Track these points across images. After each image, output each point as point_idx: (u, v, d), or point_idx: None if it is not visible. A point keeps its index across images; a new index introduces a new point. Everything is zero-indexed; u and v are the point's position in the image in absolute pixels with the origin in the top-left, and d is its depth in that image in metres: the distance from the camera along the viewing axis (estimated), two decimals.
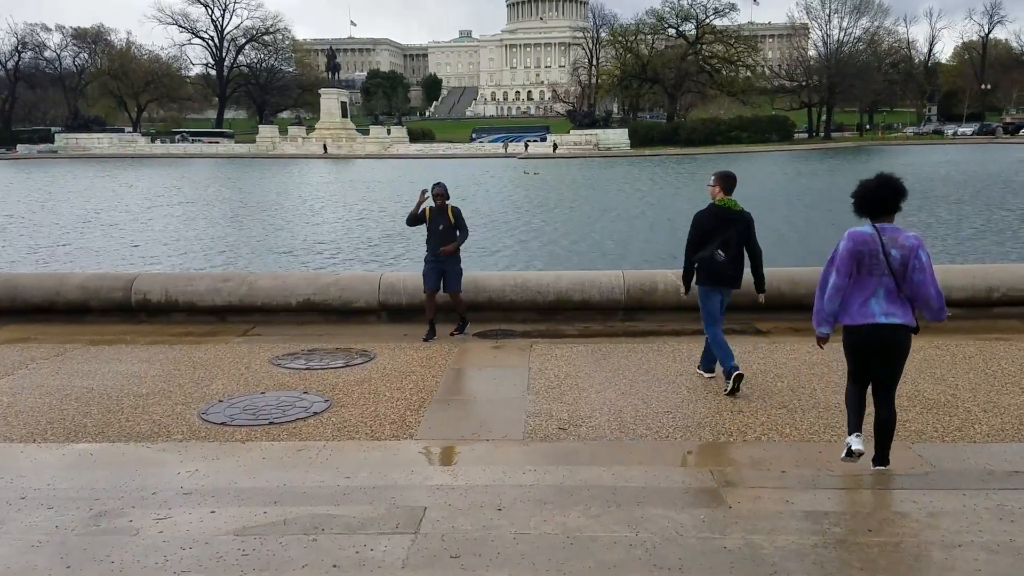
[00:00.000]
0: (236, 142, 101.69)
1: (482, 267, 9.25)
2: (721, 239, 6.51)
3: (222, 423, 5.89)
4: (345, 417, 5.96)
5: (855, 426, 4.66)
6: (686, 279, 6.81)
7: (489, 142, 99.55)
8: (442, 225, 8.59)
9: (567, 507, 3.98)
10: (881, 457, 4.65)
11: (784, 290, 9.13)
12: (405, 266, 17.59)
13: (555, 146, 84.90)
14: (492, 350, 8.19)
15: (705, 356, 6.95)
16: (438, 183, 8.73)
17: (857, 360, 4.67)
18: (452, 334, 8.73)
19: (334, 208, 33.05)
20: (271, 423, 5.86)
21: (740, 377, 6.29)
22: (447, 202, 8.69)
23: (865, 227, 4.58)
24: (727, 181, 6.67)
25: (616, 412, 5.99)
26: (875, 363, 4.62)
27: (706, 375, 6.86)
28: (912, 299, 4.54)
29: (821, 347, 4.92)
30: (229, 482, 4.58)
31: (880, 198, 4.54)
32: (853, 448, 4.56)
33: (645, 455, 5.11)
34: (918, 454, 5.05)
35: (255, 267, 18.54)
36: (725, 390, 6.35)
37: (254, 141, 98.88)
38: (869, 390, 4.75)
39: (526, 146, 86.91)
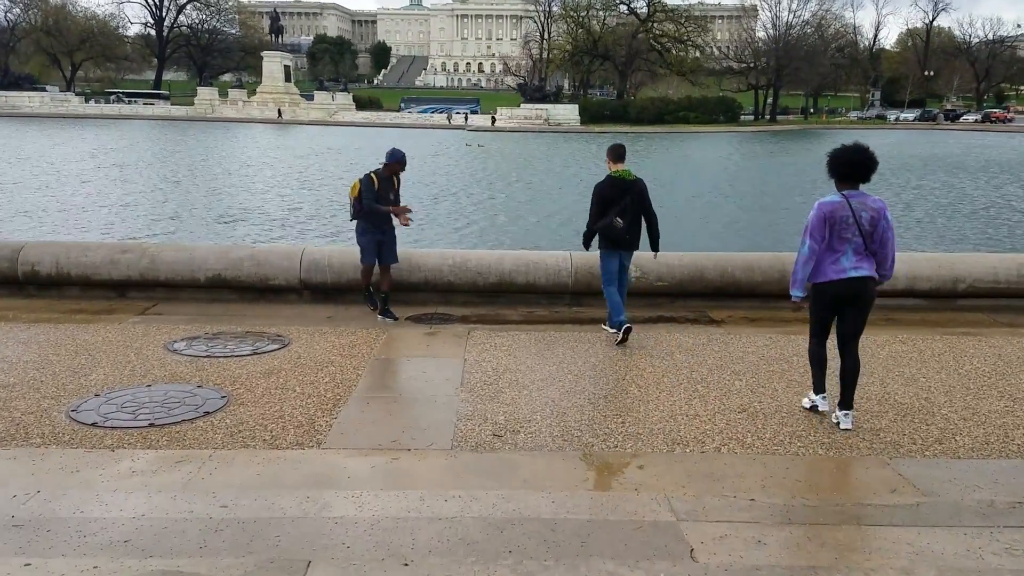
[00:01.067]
0: (172, 104, 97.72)
1: (419, 244, 8.46)
2: (619, 207, 7.07)
3: (93, 423, 4.96)
4: (242, 418, 5.08)
5: (820, 387, 5.30)
6: (586, 242, 7.48)
7: (418, 112, 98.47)
8: (393, 195, 8.01)
9: (493, 559, 3.21)
10: (846, 402, 5.12)
11: (739, 277, 8.56)
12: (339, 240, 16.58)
13: (493, 119, 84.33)
14: (425, 337, 7.36)
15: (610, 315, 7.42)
16: (400, 151, 8.08)
17: (825, 314, 5.17)
18: (381, 315, 7.94)
19: (269, 175, 31.55)
20: (151, 425, 4.94)
21: (629, 330, 6.95)
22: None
23: (833, 196, 5.00)
24: (616, 151, 7.25)
25: (559, 414, 5.24)
26: (845, 314, 5.09)
27: (610, 330, 7.33)
28: (876, 255, 5.03)
29: (796, 311, 5.38)
30: (73, 511, 3.67)
31: (855, 163, 4.97)
32: (820, 409, 5.26)
33: (591, 473, 4.38)
34: (899, 472, 4.42)
35: (181, 238, 17.27)
36: (615, 341, 6.96)
37: (192, 104, 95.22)
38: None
39: (466, 118, 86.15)
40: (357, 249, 8.10)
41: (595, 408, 5.37)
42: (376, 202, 7.81)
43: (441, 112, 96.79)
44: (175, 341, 6.85)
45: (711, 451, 4.69)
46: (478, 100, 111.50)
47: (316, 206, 22.43)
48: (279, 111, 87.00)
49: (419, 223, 18.01)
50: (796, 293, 5.14)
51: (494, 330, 7.59)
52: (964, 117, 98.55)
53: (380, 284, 8.08)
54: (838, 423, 5.06)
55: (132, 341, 6.84)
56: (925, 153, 50.32)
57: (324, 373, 6.04)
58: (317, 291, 8.55)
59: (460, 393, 5.65)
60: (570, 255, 8.89)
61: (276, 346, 6.75)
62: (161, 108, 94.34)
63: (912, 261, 8.56)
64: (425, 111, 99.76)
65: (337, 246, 10.02)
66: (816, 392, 5.31)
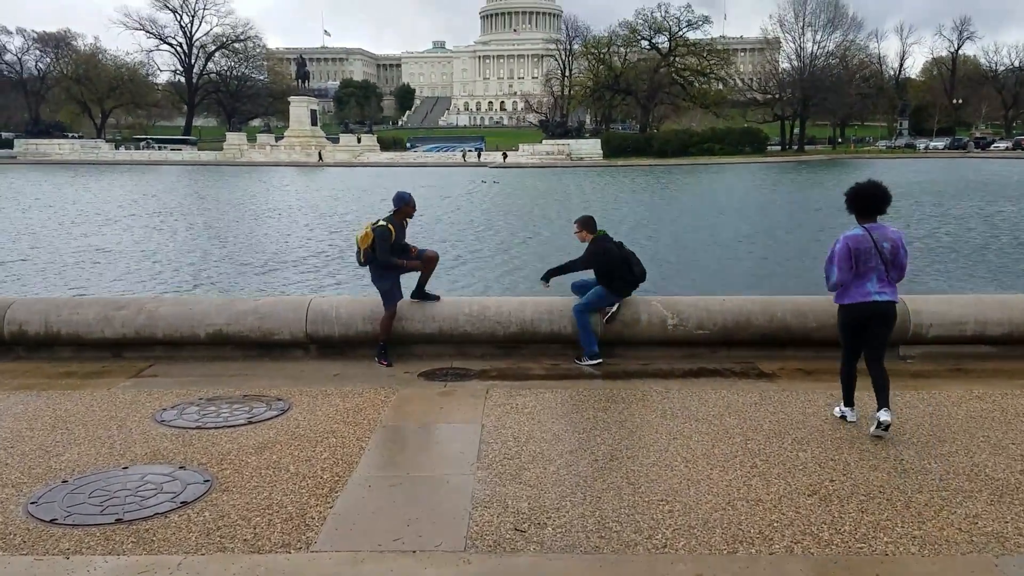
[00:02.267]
0: (200, 149, 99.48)
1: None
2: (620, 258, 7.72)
3: (52, 519, 4.26)
4: (224, 510, 4.35)
5: (850, 401, 5.79)
6: (554, 275, 8.06)
7: (424, 151, 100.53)
8: (405, 239, 7.83)
9: None
10: (883, 402, 5.43)
11: (791, 322, 7.73)
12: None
13: (504, 155, 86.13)
14: (439, 397, 6.62)
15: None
16: (406, 193, 7.84)
17: (853, 334, 5.67)
18: (385, 364, 7.56)
19: (291, 218, 31.28)
20: (118, 520, 4.23)
21: (600, 364, 7.47)
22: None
23: (856, 229, 5.51)
24: (590, 223, 7.83)
25: (594, 500, 4.46)
26: (870, 332, 5.58)
27: (589, 363, 7.54)
28: (896, 279, 5.55)
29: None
30: None
31: (872, 198, 5.49)
32: (849, 419, 5.72)
33: None
34: None
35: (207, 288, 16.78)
36: (579, 363, 7.53)
37: (221, 148, 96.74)
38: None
39: (479, 155, 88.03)
40: (366, 297, 7.52)
41: (635, 491, 4.57)
42: (391, 253, 7.51)
43: (446, 150, 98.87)
44: (165, 409, 6.18)
45: (780, 550, 3.87)
46: (482, 138, 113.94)
47: (327, 254, 21.92)
48: (319, 154, 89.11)
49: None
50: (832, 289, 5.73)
51: (515, 387, 6.84)
52: (995, 145, 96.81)
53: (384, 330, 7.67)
54: (878, 421, 5.37)
55: (118, 410, 6.18)
56: (973, 178, 49.07)
57: (324, 446, 5.32)
58: (324, 345, 7.87)
59: (476, 471, 4.89)
60: None
61: (274, 412, 6.05)
62: (190, 153, 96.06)
63: (981, 304, 7.68)
64: (430, 149, 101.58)
65: (345, 296, 9.36)
66: (846, 404, 5.79)
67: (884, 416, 5.35)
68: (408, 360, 7.68)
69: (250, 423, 5.82)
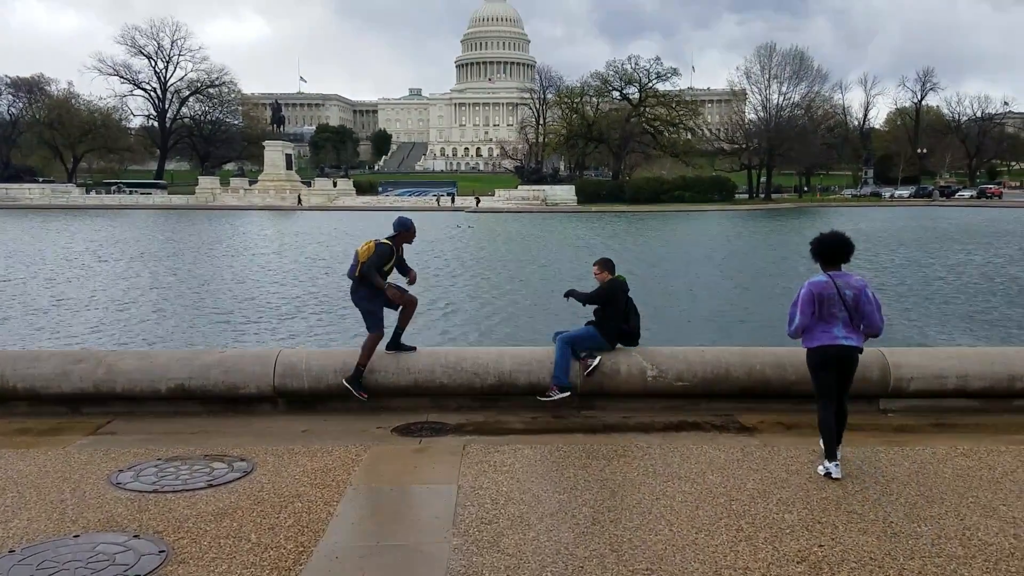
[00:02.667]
0: (171, 193, 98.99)
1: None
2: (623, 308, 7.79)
3: None
4: None
5: (832, 455, 5.70)
6: (572, 295, 7.97)
7: (395, 195, 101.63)
8: (398, 267, 7.83)
9: None
10: (838, 439, 5.79)
11: (769, 375, 7.63)
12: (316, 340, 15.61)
13: (477, 200, 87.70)
14: (413, 455, 6.37)
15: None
16: (407, 219, 7.88)
17: (822, 374, 5.85)
18: (364, 396, 7.38)
19: (264, 262, 30.91)
20: None
21: (572, 397, 7.47)
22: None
23: (820, 276, 5.79)
24: (610, 265, 7.92)
25: (576, 570, 4.22)
26: (835, 374, 5.81)
27: (560, 395, 7.43)
28: (862, 326, 5.77)
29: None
30: None
31: (836, 248, 5.78)
32: (834, 475, 5.61)
33: None
34: None
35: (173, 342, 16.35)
36: (549, 397, 7.43)
37: (193, 192, 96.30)
38: None
39: (452, 199, 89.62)
40: (338, 348, 7.29)
41: (619, 559, 4.34)
42: (380, 273, 7.45)
43: (417, 195, 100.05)
44: (121, 470, 5.85)
45: None
46: (455, 183, 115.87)
47: (300, 299, 21.59)
48: (299, 197, 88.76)
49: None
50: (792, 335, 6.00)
51: (493, 443, 6.61)
52: (960, 193, 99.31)
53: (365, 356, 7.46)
54: (828, 473, 5.62)
55: (72, 472, 5.85)
56: (941, 228, 50.08)
57: (288, 512, 5.03)
58: (293, 399, 7.60)
59: (452, 538, 4.64)
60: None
61: (237, 474, 5.75)
62: (161, 197, 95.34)
63: (962, 357, 7.63)
64: (401, 194, 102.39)
65: (316, 348, 9.10)
66: (829, 460, 5.71)
67: (835, 472, 5.63)
68: (381, 414, 7.42)
69: (210, 486, 5.52)
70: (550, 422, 7.37)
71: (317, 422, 7.29)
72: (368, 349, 7.44)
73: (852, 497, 5.27)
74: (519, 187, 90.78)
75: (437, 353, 8.17)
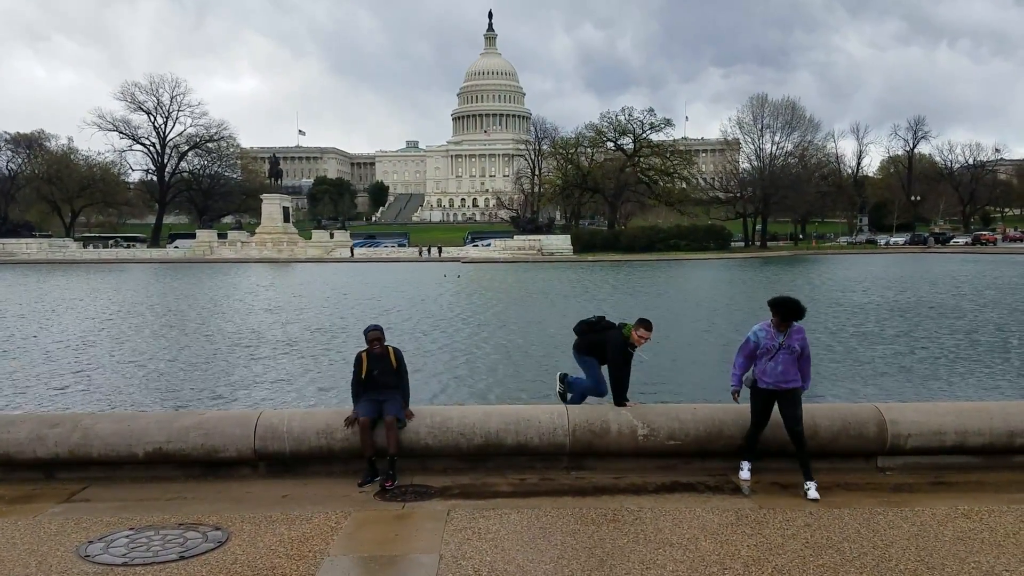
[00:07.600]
0: (165, 246, 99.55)
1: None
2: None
3: None
4: None
5: (750, 452, 7.08)
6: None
7: (355, 245, 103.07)
8: (377, 370, 7.54)
9: None
10: (808, 474, 6.72)
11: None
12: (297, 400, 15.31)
13: (440, 250, 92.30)
14: (395, 521, 6.15)
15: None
16: (374, 327, 7.79)
17: (762, 408, 7.03)
18: (388, 485, 6.96)
19: (254, 316, 30.71)
20: None
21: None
22: (386, 344, 7.77)
23: (764, 323, 7.05)
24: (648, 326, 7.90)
25: None
26: (782, 408, 6.92)
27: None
28: (801, 370, 6.96)
29: (735, 400, 7.35)
30: None
31: (791, 310, 6.88)
32: (743, 477, 7.02)
33: None
34: None
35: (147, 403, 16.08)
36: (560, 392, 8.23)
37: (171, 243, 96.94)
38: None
39: (429, 251, 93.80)
40: (320, 409, 7.13)
41: None
42: (362, 380, 7.52)
43: (371, 246, 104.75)
44: (92, 541, 5.64)
45: None
46: (407, 234, 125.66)
47: (288, 354, 21.37)
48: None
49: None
50: (735, 386, 7.23)
51: (478, 508, 6.40)
52: (954, 240, 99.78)
53: (388, 445, 7.16)
54: (807, 492, 6.52)
55: (40, 543, 5.63)
56: (938, 271, 50.02)
57: None
58: (274, 463, 7.38)
59: None
60: (566, 409, 7.77)
61: (211, 545, 5.53)
62: (158, 251, 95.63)
63: (960, 413, 7.45)
64: (357, 244, 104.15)
65: (298, 409, 8.90)
66: (743, 459, 7.14)
67: (812, 492, 6.53)
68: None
69: (182, 558, 5.30)
70: (538, 484, 7.16)
71: (298, 486, 7.07)
72: (361, 436, 7.22)
73: (850, 564, 5.06)
74: (515, 237, 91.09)
75: (422, 412, 7.97)
